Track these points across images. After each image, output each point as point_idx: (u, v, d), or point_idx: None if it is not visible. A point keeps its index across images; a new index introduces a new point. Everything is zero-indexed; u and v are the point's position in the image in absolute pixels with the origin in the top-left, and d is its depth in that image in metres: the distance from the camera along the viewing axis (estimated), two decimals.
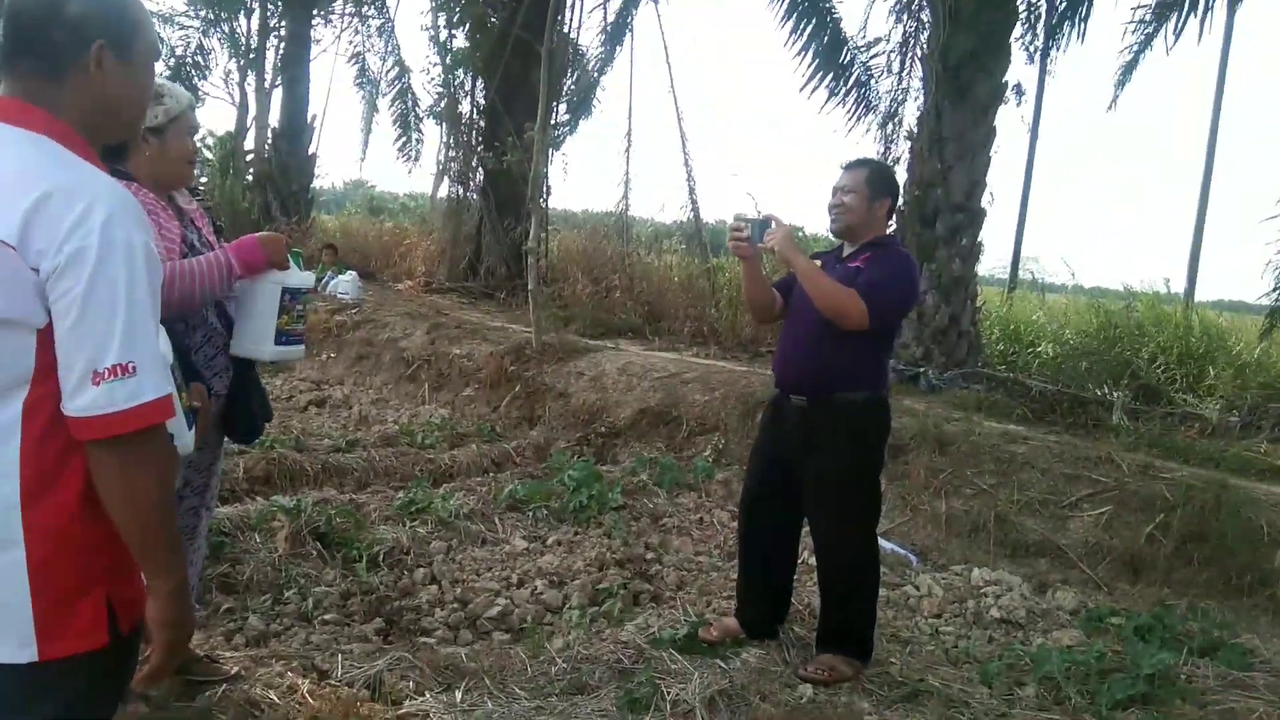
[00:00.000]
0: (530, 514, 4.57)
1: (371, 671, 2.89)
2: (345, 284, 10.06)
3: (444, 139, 13.02)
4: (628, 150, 11.31)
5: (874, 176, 3.24)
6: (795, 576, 3.60)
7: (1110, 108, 8.89)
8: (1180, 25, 7.54)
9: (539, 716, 2.74)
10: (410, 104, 15.98)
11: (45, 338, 1.29)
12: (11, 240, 1.24)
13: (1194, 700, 3.13)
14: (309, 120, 14.86)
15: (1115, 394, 6.78)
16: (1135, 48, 8.22)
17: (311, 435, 5.78)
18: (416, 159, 16.22)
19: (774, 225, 3.07)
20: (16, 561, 1.31)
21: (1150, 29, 8.04)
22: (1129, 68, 8.47)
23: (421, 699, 2.77)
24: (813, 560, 3.84)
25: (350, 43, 16.09)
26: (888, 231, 3.33)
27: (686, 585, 4.03)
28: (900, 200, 7.01)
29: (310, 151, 15.06)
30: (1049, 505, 5.00)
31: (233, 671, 2.76)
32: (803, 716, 2.90)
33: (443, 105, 12.35)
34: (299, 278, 2.63)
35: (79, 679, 1.38)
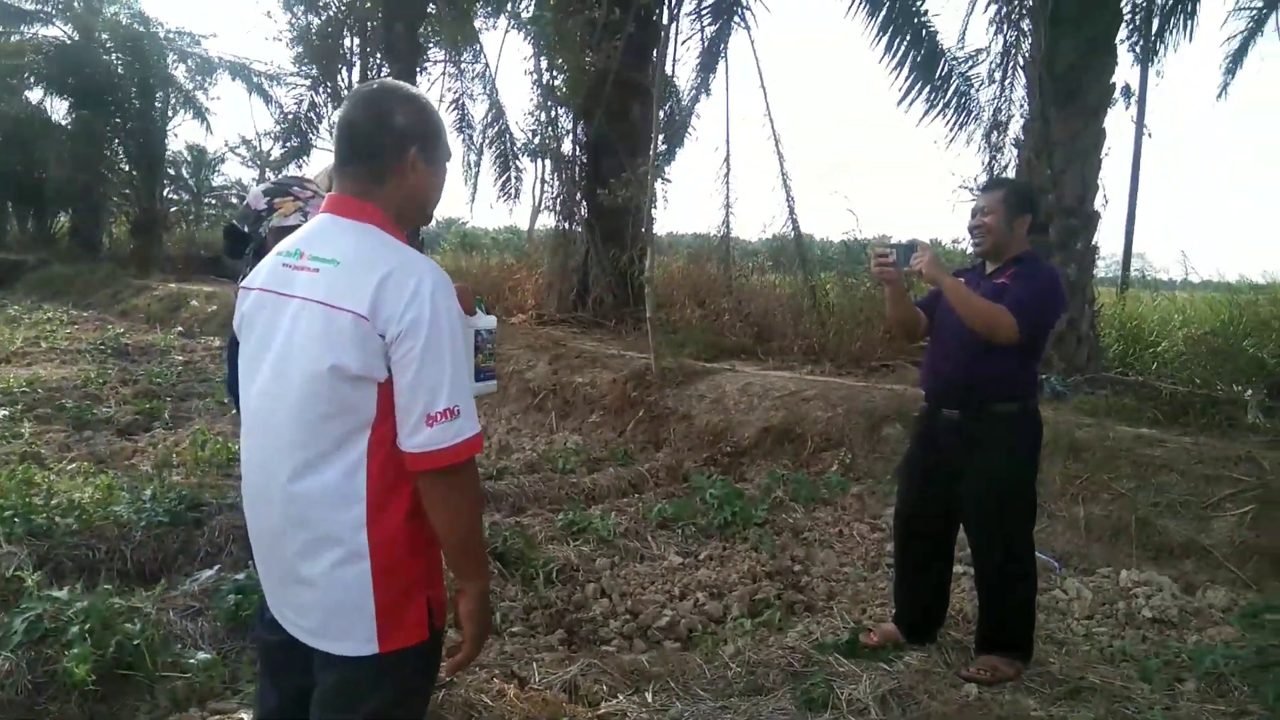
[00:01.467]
0: (679, 531, 4.84)
1: (566, 676, 3.17)
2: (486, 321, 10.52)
3: (543, 176, 13.52)
4: (727, 175, 11.55)
5: (1010, 195, 3.39)
6: (951, 582, 3.74)
7: (1220, 96, 8.73)
8: None
9: (724, 715, 2.97)
10: (509, 144, 16.60)
11: (385, 389, 1.60)
12: (365, 312, 1.56)
13: None
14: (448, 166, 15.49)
15: (1248, 392, 6.68)
16: (1244, 34, 8.07)
17: None
18: (516, 196, 16.83)
19: (920, 249, 3.26)
20: (364, 570, 1.63)
21: (1260, 13, 7.89)
22: (1238, 55, 8.32)
23: (615, 700, 3.04)
24: (959, 567, 3.99)
25: (450, 88, 16.80)
26: (1028, 247, 3.47)
27: (837, 595, 4.21)
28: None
29: None
30: (1190, 507, 5.00)
31: (447, 679, 3.07)
32: (971, 713, 3.05)
33: (542, 144, 12.84)
34: (485, 321, 2.95)
35: (407, 667, 1.69)
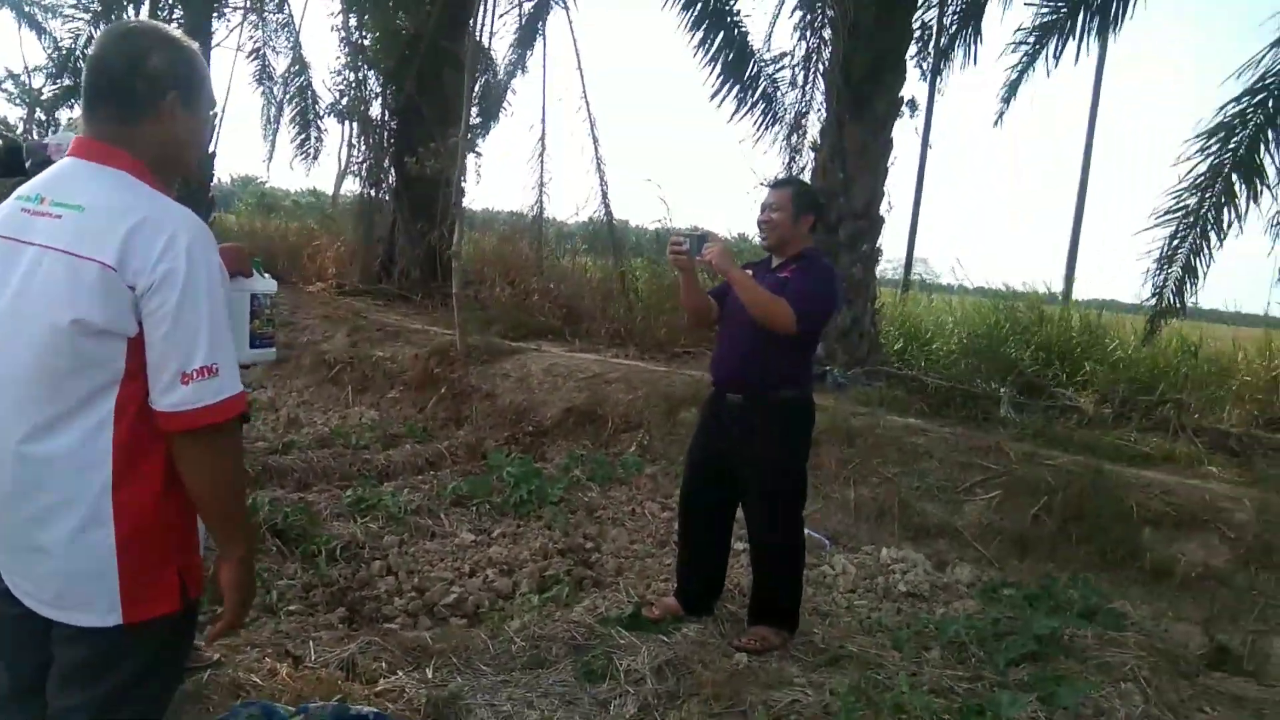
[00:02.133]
0: (474, 509, 4.82)
1: (344, 654, 3.10)
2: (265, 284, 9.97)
3: (351, 139, 13.01)
4: (541, 154, 11.53)
5: (798, 194, 3.60)
6: (729, 558, 3.93)
7: (997, 123, 9.55)
8: (1060, 48, 8.19)
9: (506, 688, 3.00)
10: (310, 102, 15.80)
11: (135, 345, 1.50)
12: (112, 262, 1.46)
13: (1076, 657, 3.57)
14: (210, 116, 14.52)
15: (1002, 389, 7.40)
16: (1020, 67, 8.86)
17: (244, 438, 5.83)
18: (316, 157, 16.06)
19: (711, 239, 3.40)
20: (107, 537, 1.53)
21: (1032, 50, 8.68)
22: (1014, 86, 9.12)
23: (395, 677, 3.00)
24: (740, 544, 4.21)
25: (252, 37, 15.78)
26: (811, 244, 3.69)
27: (625, 571, 4.34)
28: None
29: (210, 149, 14.74)
30: (946, 491, 5.50)
31: (214, 658, 2.93)
32: (739, 680, 3.23)
33: (349, 106, 12.32)
34: (263, 284, 2.81)
35: (156, 639, 1.61)
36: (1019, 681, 3.22)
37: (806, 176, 8.65)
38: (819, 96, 9.20)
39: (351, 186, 13.42)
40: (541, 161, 11.53)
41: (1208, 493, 5.20)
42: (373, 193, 12.38)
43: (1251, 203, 7.21)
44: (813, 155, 8.56)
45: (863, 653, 3.57)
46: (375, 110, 12.31)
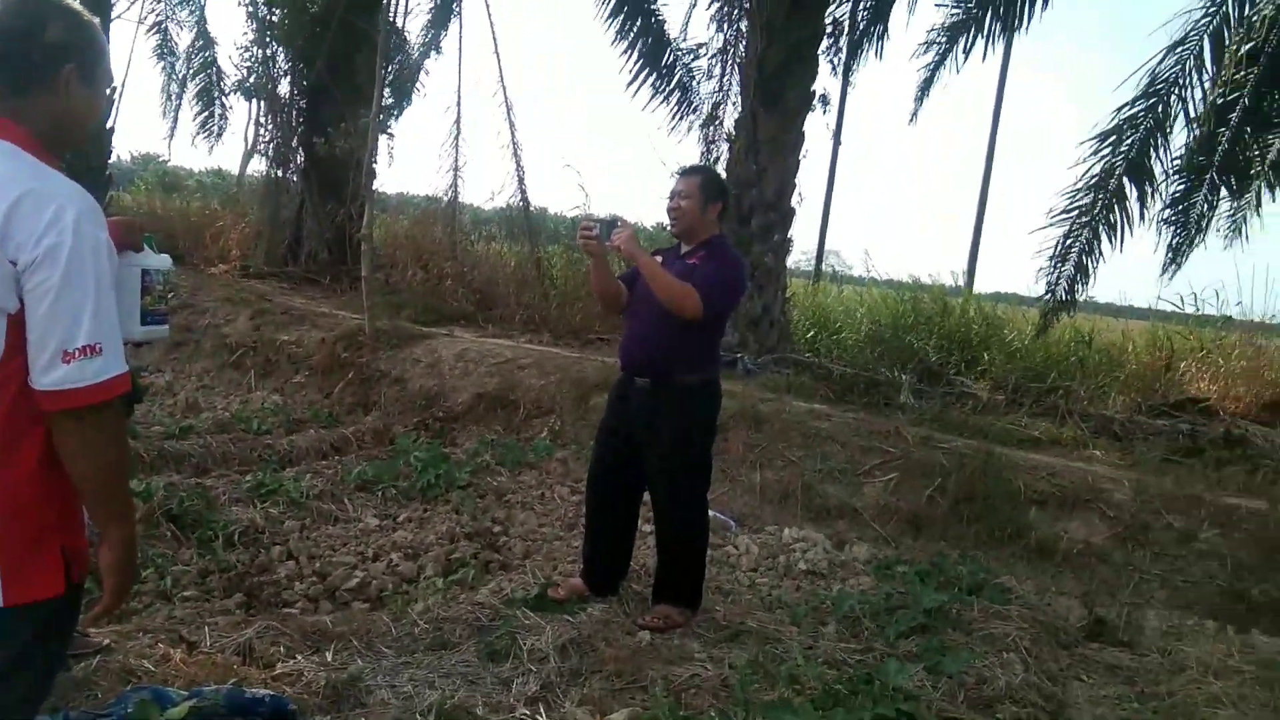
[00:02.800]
0: (379, 494, 4.77)
1: (241, 639, 3.04)
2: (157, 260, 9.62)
3: (258, 118, 12.64)
4: (457, 138, 11.38)
5: (706, 183, 3.66)
6: (635, 539, 3.99)
7: (911, 121, 9.81)
8: (969, 45, 8.47)
9: (407, 669, 3.00)
10: (215, 78, 15.25)
11: (15, 321, 1.46)
12: None
13: (963, 629, 3.74)
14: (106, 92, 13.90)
15: (904, 376, 7.66)
16: (931, 66, 9.13)
17: (139, 422, 5.66)
18: (219, 135, 15.54)
19: (620, 225, 3.44)
20: None
21: (943, 50, 8.94)
22: (927, 84, 9.39)
23: (293, 661, 2.97)
24: (647, 525, 4.27)
25: (153, 9, 15.14)
26: (719, 232, 3.76)
27: (533, 554, 4.35)
28: None
29: (108, 125, 14.11)
30: (847, 474, 5.67)
31: (104, 644, 2.85)
32: (642, 657, 3.29)
33: (257, 83, 11.96)
34: (156, 260, 2.73)
35: (35, 623, 1.56)
36: (908, 652, 3.36)
37: (721, 166, 8.76)
38: (735, 88, 9.31)
39: (258, 166, 13.08)
40: (456, 145, 11.39)
41: (1090, 474, 5.49)
42: (280, 173, 12.05)
43: (1141, 205, 7.60)
44: (728, 146, 8.67)
45: (762, 628, 3.67)
46: (284, 88, 11.97)
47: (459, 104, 11.28)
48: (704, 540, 3.78)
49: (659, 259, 3.56)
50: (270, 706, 2.54)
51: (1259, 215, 8.37)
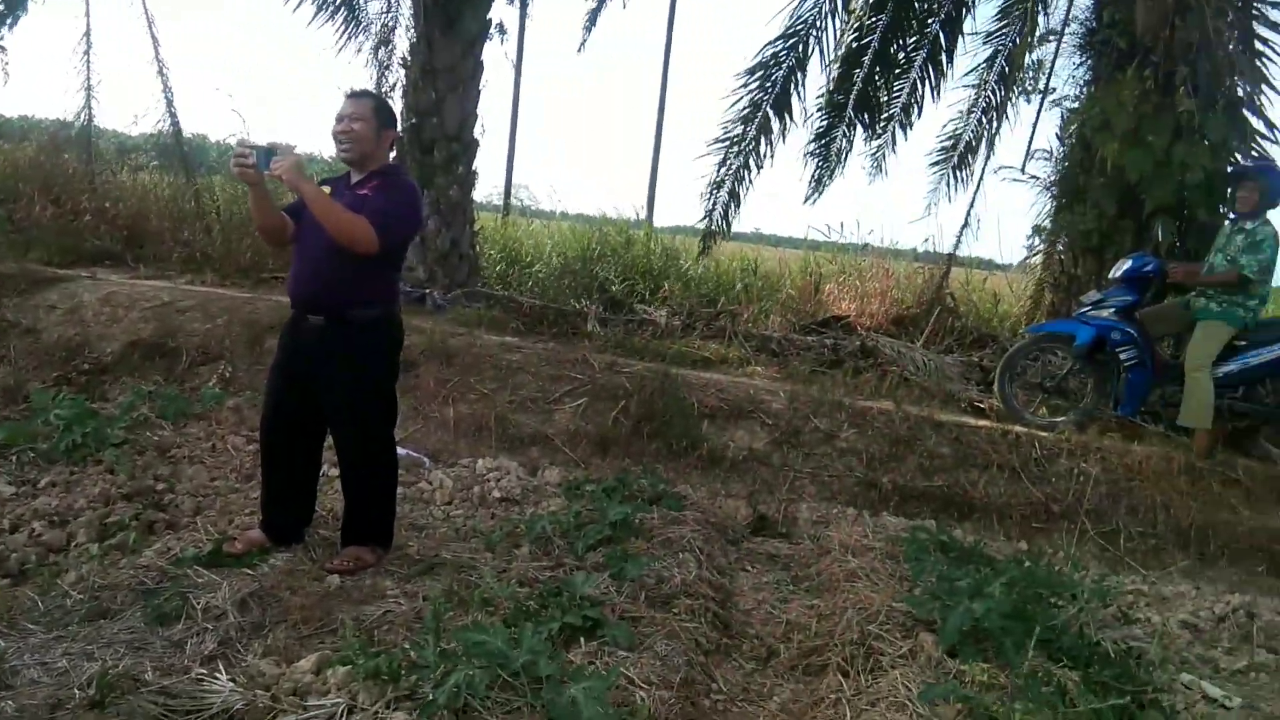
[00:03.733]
0: (14, 459, 4.18)
1: None
2: None
3: None
4: (88, 51, 9.94)
5: (380, 106, 3.50)
6: (318, 485, 3.84)
7: (580, 49, 9.96)
8: None
9: (60, 645, 2.69)
10: None
11: None
12: None
13: (645, 536, 4.02)
14: None
15: (589, 306, 7.94)
16: None
17: None
18: None
19: (281, 152, 3.21)
20: None
21: None
22: (594, 14, 9.55)
23: None
24: (334, 469, 4.12)
25: None
26: (391, 160, 3.63)
27: (205, 509, 4.05)
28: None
29: None
30: (539, 402, 5.82)
31: None
32: (331, 601, 3.22)
33: None
34: None
35: None
36: (595, 564, 3.55)
37: (397, 94, 8.43)
38: (406, 10, 8.93)
39: None
40: (88, 61, 9.95)
41: (752, 388, 6.06)
42: None
43: (783, 136, 8.35)
44: (403, 72, 8.34)
45: (456, 558, 3.72)
46: None
47: (88, 13, 9.85)
48: (392, 478, 3.73)
49: (327, 189, 3.38)
50: None
51: (894, 153, 9.54)
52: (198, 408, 5.32)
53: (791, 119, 8.37)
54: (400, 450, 4.50)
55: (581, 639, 2.86)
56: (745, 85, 8.21)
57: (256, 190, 3.33)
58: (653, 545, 3.90)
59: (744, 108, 8.29)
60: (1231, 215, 5.76)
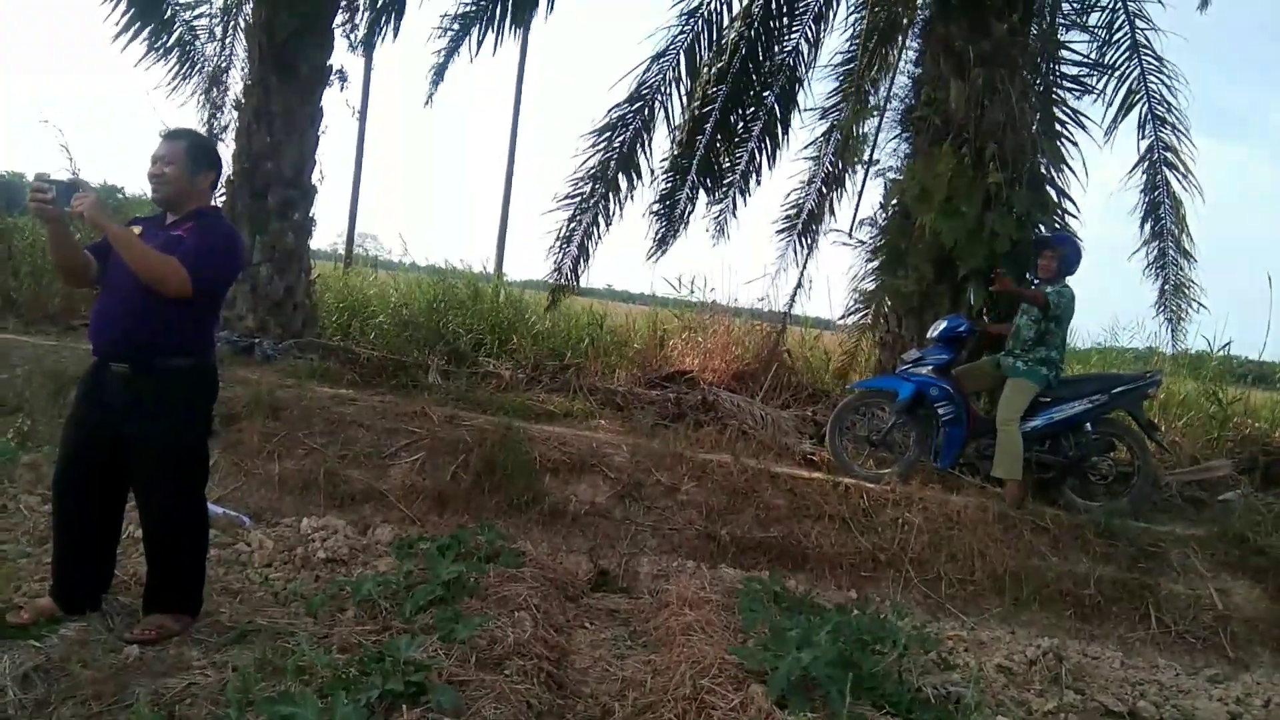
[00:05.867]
0: None
1: None
2: None
3: None
4: None
5: (194, 149, 3.34)
6: (119, 547, 3.54)
7: (427, 103, 9.81)
8: (481, 37, 8.68)
9: None
10: None
11: None
12: None
13: (479, 595, 3.91)
14: None
15: (432, 358, 7.77)
16: (444, 52, 9.21)
17: None
18: None
19: (83, 190, 3.00)
20: None
21: (457, 36, 9.08)
22: (441, 69, 9.46)
23: None
24: (137, 531, 3.82)
25: None
26: (213, 203, 3.45)
27: None
28: (228, 171, 7.01)
29: None
30: (373, 457, 5.62)
31: None
32: (128, 674, 2.95)
33: None
34: None
35: None
36: (425, 625, 3.42)
37: (230, 136, 8.10)
38: (242, 52, 8.63)
39: None
40: None
41: (596, 441, 6.06)
42: None
43: (630, 195, 8.54)
44: (236, 114, 8.03)
45: (273, 624, 3.50)
46: None
47: None
48: (202, 539, 3.48)
49: (138, 229, 3.19)
50: None
51: (735, 217, 9.90)
52: None
53: (639, 178, 8.58)
54: (216, 509, 4.25)
55: (404, 706, 2.72)
56: (594, 145, 8.37)
57: (55, 227, 3.09)
58: (487, 604, 3.79)
59: (592, 166, 8.43)
60: (1036, 280, 6.25)
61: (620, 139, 8.34)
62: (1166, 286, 8.60)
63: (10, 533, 4.20)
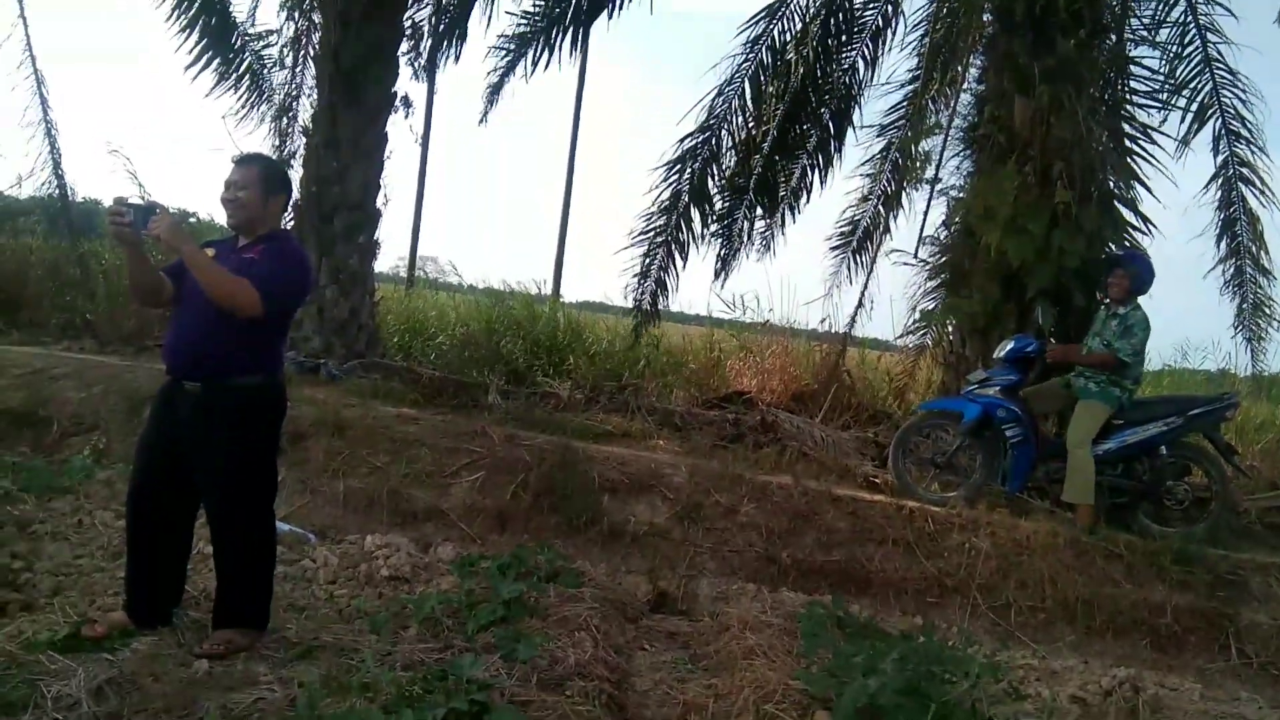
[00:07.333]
0: None
1: None
2: None
3: None
4: None
5: (266, 173, 3.42)
6: (190, 564, 3.62)
7: (482, 122, 9.95)
8: (537, 56, 8.81)
9: None
10: None
11: None
12: None
13: (539, 615, 3.90)
14: None
15: (492, 378, 7.84)
16: (501, 71, 9.37)
17: None
18: None
19: (160, 212, 3.09)
20: None
21: (512, 57, 9.24)
22: (496, 88, 9.62)
23: None
24: (208, 547, 3.89)
25: None
26: (284, 226, 3.53)
27: (65, 589, 3.76)
28: (296, 195, 7.18)
29: None
30: (434, 476, 5.67)
31: None
32: (197, 688, 2.99)
33: None
34: None
35: None
36: (486, 644, 3.41)
37: (298, 161, 8.32)
38: (310, 80, 8.87)
39: None
40: None
41: (654, 462, 6.03)
42: None
43: (703, 224, 8.57)
44: (304, 140, 8.24)
45: (338, 641, 3.52)
46: None
47: None
48: (270, 556, 3.53)
49: (211, 251, 3.27)
50: None
51: (783, 234, 9.86)
52: (65, 481, 4.99)
53: (711, 209, 8.65)
54: (282, 526, 4.31)
55: None
56: (665, 178, 8.44)
57: (133, 250, 3.19)
58: (548, 624, 3.79)
59: (664, 200, 8.50)
60: (1106, 300, 6.07)
61: (690, 169, 8.39)
62: (1245, 305, 8.33)
63: (85, 548, 4.31)
